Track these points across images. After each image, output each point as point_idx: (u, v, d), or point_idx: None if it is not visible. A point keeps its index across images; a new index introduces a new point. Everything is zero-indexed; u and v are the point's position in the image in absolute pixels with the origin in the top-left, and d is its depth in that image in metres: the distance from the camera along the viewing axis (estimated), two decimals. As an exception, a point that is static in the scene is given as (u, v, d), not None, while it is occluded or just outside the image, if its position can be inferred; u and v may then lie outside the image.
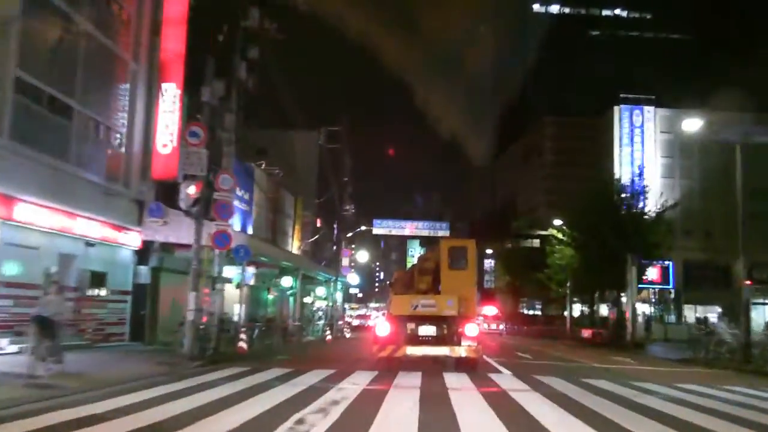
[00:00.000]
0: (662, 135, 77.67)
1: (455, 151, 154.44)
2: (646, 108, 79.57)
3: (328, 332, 30.73)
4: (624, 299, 48.11)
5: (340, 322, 38.84)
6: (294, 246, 40.17)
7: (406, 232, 41.68)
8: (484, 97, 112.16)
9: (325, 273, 34.36)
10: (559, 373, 15.33)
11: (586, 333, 38.53)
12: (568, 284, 39.70)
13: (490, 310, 53.34)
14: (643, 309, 49.85)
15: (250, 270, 29.91)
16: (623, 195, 34.68)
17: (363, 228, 43.33)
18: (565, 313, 45.28)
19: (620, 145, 77.88)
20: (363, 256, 57.96)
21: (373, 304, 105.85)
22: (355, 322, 52.23)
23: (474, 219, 56.69)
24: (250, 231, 30.07)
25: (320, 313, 46.15)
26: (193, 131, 15.52)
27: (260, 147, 42.45)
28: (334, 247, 42.70)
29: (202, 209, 15.92)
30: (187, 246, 17.49)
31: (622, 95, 78.65)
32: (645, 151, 75.55)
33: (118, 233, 19.42)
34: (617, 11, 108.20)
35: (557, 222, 41.78)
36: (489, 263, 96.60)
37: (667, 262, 46.01)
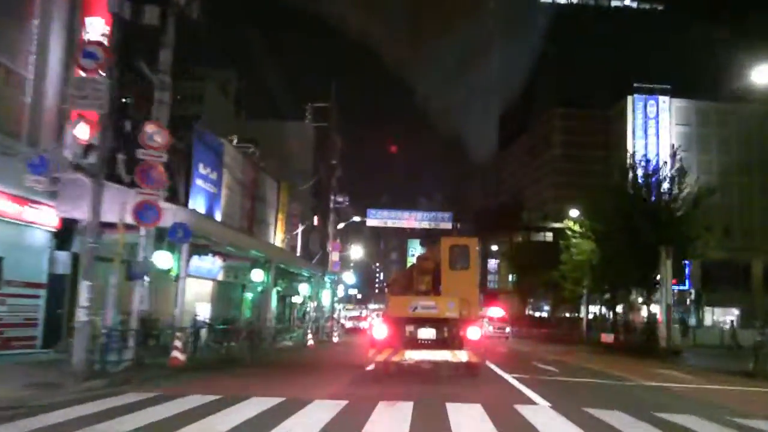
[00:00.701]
0: (678, 127, 73.14)
1: (458, 146, 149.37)
2: (661, 98, 75.00)
3: (310, 336, 26.11)
4: (636, 300, 44.82)
5: (328, 324, 34.23)
6: (277, 238, 35.60)
7: (404, 224, 37.10)
8: (489, 89, 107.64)
9: (308, 268, 29.65)
10: (613, 399, 10.81)
11: (607, 338, 33.90)
12: (585, 283, 35.07)
13: (496, 311, 48.65)
14: (659, 311, 45.30)
15: (218, 262, 25.50)
16: (653, 179, 30.12)
17: (356, 219, 38.80)
18: (581, 315, 40.63)
19: (633, 138, 73.35)
20: (357, 252, 53.43)
21: (372, 306, 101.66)
22: (348, 324, 47.65)
23: (479, 212, 52.32)
24: (218, 217, 25.51)
25: (313, 314, 41.72)
26: (88, 51, 10.94)
27: (251, 137, 38.73)
28: (328, 241, 38.20)
29: (100, 164, 11.30)
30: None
31: (635, 84, 74.17)
32: (660, 143, 71.01)
33: (20, 207, 14.83)
34: (627, 1, 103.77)
35: (573, 213, 37.16)
36: (493, 264, 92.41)
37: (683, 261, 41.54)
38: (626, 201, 29.47)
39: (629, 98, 73.52)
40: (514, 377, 14.02)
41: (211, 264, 24.63)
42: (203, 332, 18.24)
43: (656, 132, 73.03)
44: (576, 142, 77.11)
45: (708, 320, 58.88)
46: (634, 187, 30.02)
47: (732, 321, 43.29)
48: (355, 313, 58.53)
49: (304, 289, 31.06)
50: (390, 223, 36.88)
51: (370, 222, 36.94)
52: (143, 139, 13.20)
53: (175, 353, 13.72)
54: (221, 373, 13.44)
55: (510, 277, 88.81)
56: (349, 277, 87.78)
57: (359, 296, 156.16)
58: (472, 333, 13.09)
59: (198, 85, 56.58)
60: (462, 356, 12.85)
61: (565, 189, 67.76)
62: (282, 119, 49.74)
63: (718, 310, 63.06)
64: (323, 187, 32.68)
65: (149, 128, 13.30)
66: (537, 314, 60.03)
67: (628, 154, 40.52)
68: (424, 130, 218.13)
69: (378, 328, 13.56)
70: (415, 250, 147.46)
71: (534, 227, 41.84)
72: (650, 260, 27.79)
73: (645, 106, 74.10)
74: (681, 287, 47.20)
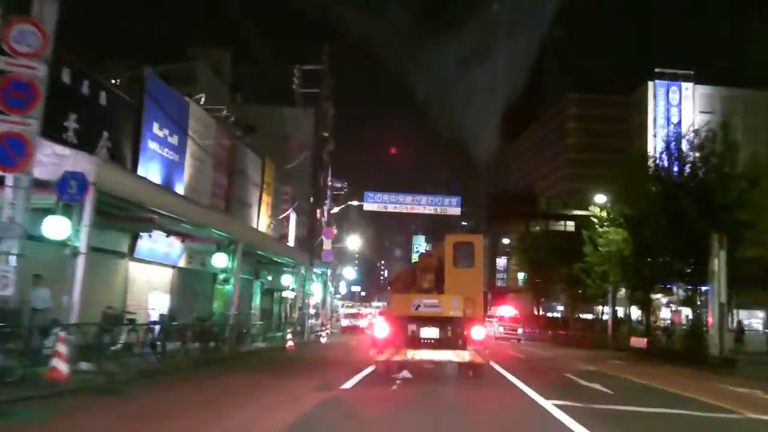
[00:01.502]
0: (702, 116, 68.17)
1: (461, 142, 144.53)
2: (684, 84, 70.11)
3: (290, 336, 21.67)
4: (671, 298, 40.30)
5: (317, 322, 29.84)
6: (261, 223, 31.18)
7: (406, 209, 32.56)
8: (498, 75, 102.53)
9: (289, 256, 25.11)
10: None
11: (638, 342, 29.33)
12: (612, 278, 30.44)
13: (508, 310, 44.11)
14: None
15: (176, 245, 21.12)
16: (696, 154, 25.56)
17: (352, 203, 34.46)
18: (601, 315, 36.02)
19: (654, 126, 68.68)
20: (354, 242, 49.05)
21: (376, 303, 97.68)
22: (345, 322, 43.25)
23: (491, 196, 47.70)
24: (180, 190, 21.10)
25: (311, 311, 37.64)
26: None
27: (248, 124, 35.04)
28: (324, 226, 33.81)
29: None
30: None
31: (657, 70, 69.44)
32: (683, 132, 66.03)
33: None
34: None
35: (599, 199, 32.54)
36: (502, 262, 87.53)
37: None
38: (669, 180, 24.91)
39: (650, 84, 68.87)
40: (556, 405, 9.48)
41: (167, 246, 20.25)
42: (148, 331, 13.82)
43: (679, 120, 68.02)
44: (592, 131, 72.30)
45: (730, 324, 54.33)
46: (679, 163, 25.43)
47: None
48: (353, 311, 54.09)
49: (287, 281, 26.60)
50: (390, 208, 32.36)
51: (368, 206, 32.45)
52: (7, 40, 8.77)
53: (57, 363, 9.29)
54: (108, 398, 9.06)
55: (520, 276, 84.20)
56: (350, 272, 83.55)
57: (363, 293, 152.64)
58: (477, 333, 12.79)
59: (189, 65, 52.47)
60: (465, 356, 12.49)
61: (579, 182, 63.11)
62: (281, 104, 45.71)
63: (743, 313, 58.39)
64: (314, 163, 28.23)
65: (17, 26, 8.86)
66: (548, 315, 55.38)
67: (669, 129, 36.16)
68: (426, 125, 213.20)
69: (379, 326, 13.06)
70: (420, 247, 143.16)
71: (553, 215, 37.11)
72: (697, 250, 23.24)
73: (667, 93, 69.40)
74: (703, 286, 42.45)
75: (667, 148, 26.95)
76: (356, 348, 23.44)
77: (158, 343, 13.97)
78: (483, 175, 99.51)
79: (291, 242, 33.99)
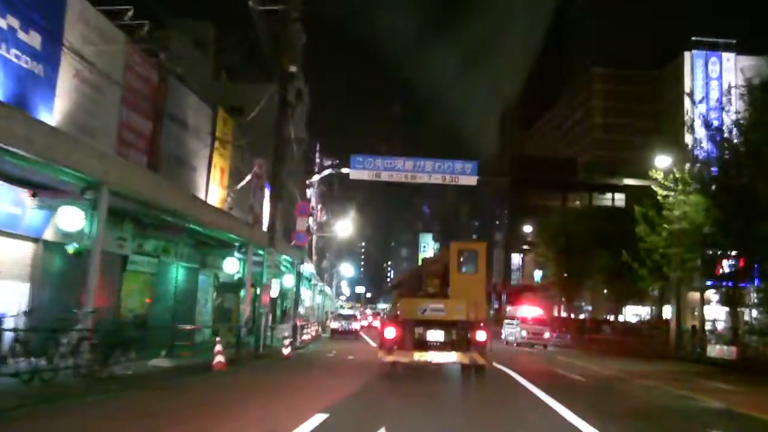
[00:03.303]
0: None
1: (466, 135, 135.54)
2: (725, 55, 61.87)
3: (219, 348, 13.86)
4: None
5: (285, 326, 22.12)
6: (214, 195, 23.54)
7: (407, 176, 24.58)
8: (515, 50, 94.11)
9: (227, 229, 16.72)
10: None
11: (723, 351, 21.50)
12: (689, 263, 22.55)
13: (531, 310, 36.17)
14: (710, 312, 32.46)
15: (28, 202, 13.38)
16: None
17: (330, 170, 26.82)
18: (666, 317, 28.07)
19: (692, 101, 60.43)
20: (344, 228, 41.19)
21: (381, 305, 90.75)
22: (334, 325, 35.52)
23: (518, 161, 40.00)
24: (53, 118, 13.41)
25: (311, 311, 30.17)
26: None
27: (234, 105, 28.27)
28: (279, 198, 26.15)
29: None
30: None
31: (694, 38, 61.37)
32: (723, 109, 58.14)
33: None
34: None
35: (661, 162, 24.67)
36: (517, 259, 79.46)
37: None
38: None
39: (687, 55, 60.85)
40: None
41: (14, 206, 12.54)
42: None
43: (719, 95, 59.99)
44: (620, 110, 64.28)
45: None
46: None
47: None
48: (349, 312, 46.36)
49: (232, 266, 18.75)
50: (385, 176, 24.52)
51: (356, 174, 24.63)
52: None
53: None
54: None
55: (536, 274, 76.07)
56: (347, 269, 76.01)
57: (368, 295, 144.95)
58: (480, 335, 13.20)
59: (165, 34, 45.12)
60: (469, 357, 12.98)
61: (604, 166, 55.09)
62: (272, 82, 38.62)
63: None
64: (277, 110, 20.47)
65: None
66: (570, 316, 47.35)
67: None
68: (428, 115, 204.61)
69: (388, 329, 13.56)
70: (428, 245, 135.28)
71: (600, 186, 29.05)
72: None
73: (706, 64, 61.36)
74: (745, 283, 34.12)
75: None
76: (336, 368, 15.94)
77: None
78: (495, 161, 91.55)
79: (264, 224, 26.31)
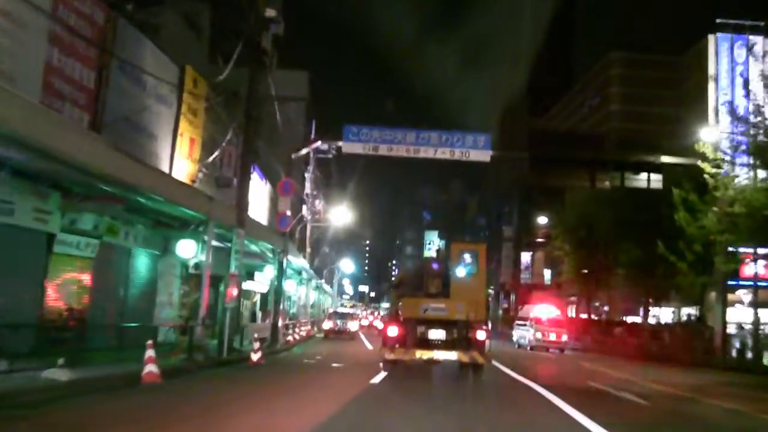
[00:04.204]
0: (775, 76, 56.34)
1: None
2: (753, 38, 58.27)
3: (150, 355, 10.22)
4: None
5: (261, 326, 18.51)
6: (180, 168, 19.96)
7: (407, 150, 20.91)
8: (524, 33, 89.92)
9: (176, 201, 12.82)
10: None
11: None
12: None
13: (547, 310, 32.48)
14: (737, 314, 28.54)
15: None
16: None
17: (319, 144, 23.22)
18: (710, 321, 24.34)
19: (717, 89, 56.98)
20: (341, 216, 37.51)
21: (384, 304, 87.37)
22: (327, 325, 31.90)
23: (538, 135, 36.21)
24: None
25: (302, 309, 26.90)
26: None
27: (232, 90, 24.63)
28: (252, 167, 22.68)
29: None
30: None
31: (719, 20, 57.66)
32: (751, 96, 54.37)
33: None
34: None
35: (707, 135, 20.92)
36: (526, 258, 75.69)
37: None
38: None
39: (710, 38, 57.14)
40: None
41: None
42: None
43: (746, 81, 56.13)
44: (639, 96, 60.39)
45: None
46: None
47: None
48: (346, 311, 42.75)
49: (186, 250, 15.05)
50: (383, 150, 20.85)
51: (349, 148, 21.01)
52: None
53: None
54: None
55: (547, 273, 72.13)
56: (347, 264, 72.32)
57: (372, 294, 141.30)
58: (480, 335, 13.51)
59: (155, 10, 41.58)
60: (469, 356, 13.25)
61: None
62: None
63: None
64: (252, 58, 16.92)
65: None
66: (589, 316, 43.52)
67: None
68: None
69: (390, 328, 13.93)
70: (433, 243, 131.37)
71: (630, 163, 25.15)
72: None
73: (731, 48, 57.60)
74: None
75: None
76: (310, 382, 12.38)
77: None
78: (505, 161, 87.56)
79: (255, 215, 22.72)
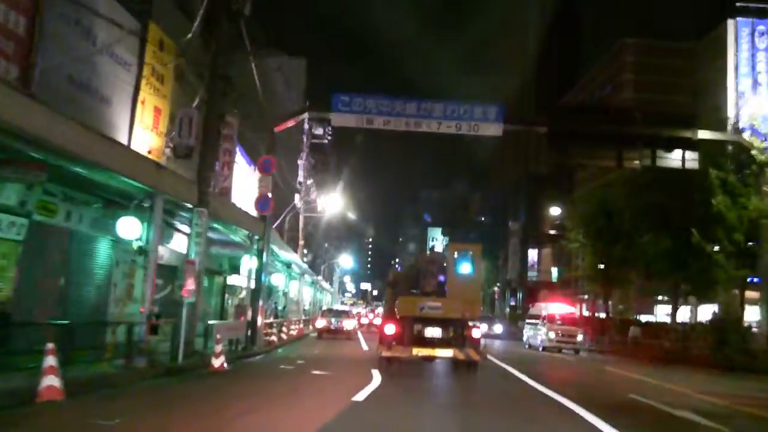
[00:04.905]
0: (798, 63, 53.37)
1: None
2: (776, 23, 55.41)
3: (49, 367, 7.44)
4: None
5: (236, 324, 15.76)
6: (146, 140, 17.21)
7: (407, 124, 18.04)
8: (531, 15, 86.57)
9: (113, 167, 10.07)
10: None
11: None
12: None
13: (561, 308, 29.70)
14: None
15: None
16: None
17: (305, 116, 20.38)
18: (753, 319, 21.46)
19: (737, 76, 53.96)
20: (337, 202, 34.56)
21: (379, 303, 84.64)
22: (320, 323, 29.13)
23: (560, 110, 33.11)
24: None
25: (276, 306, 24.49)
26: None
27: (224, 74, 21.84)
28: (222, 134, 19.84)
29: None
30: None
31: (739, 4, 54.71)
32: (773, 84, 51.42)
33: None
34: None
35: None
36: (533, 255, 73.09)
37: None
38: None
39: (730, 23, 54.17)
40: None
41: None
42: None
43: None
44: (652, 84, 57.51)
45: None
46: None
47: None
48: (344, 308, 39.99)
49: (129, 229, 12.21)
50: (379, 123, 18.01)
51: (340, 119, 18.16)
52: None
53: None
54: None
55: (554, 271, 69.25)
56: (346, 260, 69.53)
57: (375, 293, 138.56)
58: (475, 333, 13.88)
59: None
60: (465, 354, 13.46)
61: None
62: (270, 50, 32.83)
63: None
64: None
65: None
66: (607, 315, 40.56)
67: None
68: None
69: (388, 326, 14.07)
70: (437, 240, 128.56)
71: (662, 139, 22.25)
72: None
73: (752, 34, 54.48)
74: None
75: None
76: (270, 402, 9.57)
77: None
78: (509, 149, 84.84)
79: (242, 206, 19.94)
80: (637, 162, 22.35)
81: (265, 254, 18.09)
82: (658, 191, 23.37)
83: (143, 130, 17.35)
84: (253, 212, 19.63)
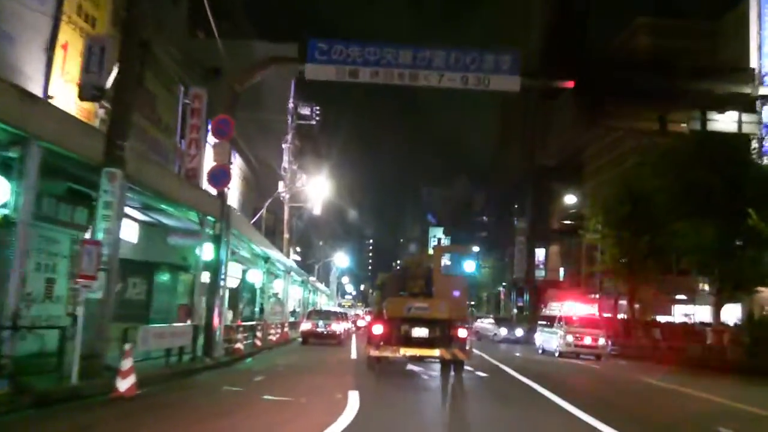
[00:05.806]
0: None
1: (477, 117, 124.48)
2: (800, -1, 51.84)
3: None
4: None
5: (170, 330, 12.15)
6: (71, 92, 13.63)
7: (400, 76, 14.44)
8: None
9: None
10: None
11: None
12: None
13: (580, 308, 25.93)
14: None
15: None
16: None
17: (272, 66, 16.70)
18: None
19: (760, 55, 50.14)
20: (324, 190, 30.83)
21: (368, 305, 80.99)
22: (305, 326, 25.46)
23: (595, 64, 29.10)
24: None
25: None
26: None
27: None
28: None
29: None
30: None
31: (760, -22, 51.12)
32: (799, 64, 47.80)
33: None
34: None
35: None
36: (541, 253, 69.57)
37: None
38: None
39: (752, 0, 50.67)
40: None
41: None
42: None
43: (789, 50, 49.58)
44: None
45: None
46: None
47: None
48: (333, 309, 36.39)
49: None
50: (366, 75, 14.25)
51: (316, 71, 14.30)
52: None
53: None
54: None
55: (561, 270, 65.61)
56: (342, 259, 65.84)
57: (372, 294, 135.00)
58: (461, 333, 13.90)
59: None
60: (451, 353, 13.60)
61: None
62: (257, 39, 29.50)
63: None
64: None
65: None
66: (632, 316, 36.81)
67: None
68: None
69: (375, 326, 14.25)
70: (438, 240, 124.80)
71: (712, 98, 18.38)
72: None
73: (776, 11, 51.10)
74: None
75: None
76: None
77: None
78: (514, 141, 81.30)
79: (211, 189, 16.30)
80: (684, 125, 18.57)
81: (224, 241, 14.46)
82: (699, 168, 19.50)
83: (67, 83, 13.77)
84: (233, 202, 16.11)
